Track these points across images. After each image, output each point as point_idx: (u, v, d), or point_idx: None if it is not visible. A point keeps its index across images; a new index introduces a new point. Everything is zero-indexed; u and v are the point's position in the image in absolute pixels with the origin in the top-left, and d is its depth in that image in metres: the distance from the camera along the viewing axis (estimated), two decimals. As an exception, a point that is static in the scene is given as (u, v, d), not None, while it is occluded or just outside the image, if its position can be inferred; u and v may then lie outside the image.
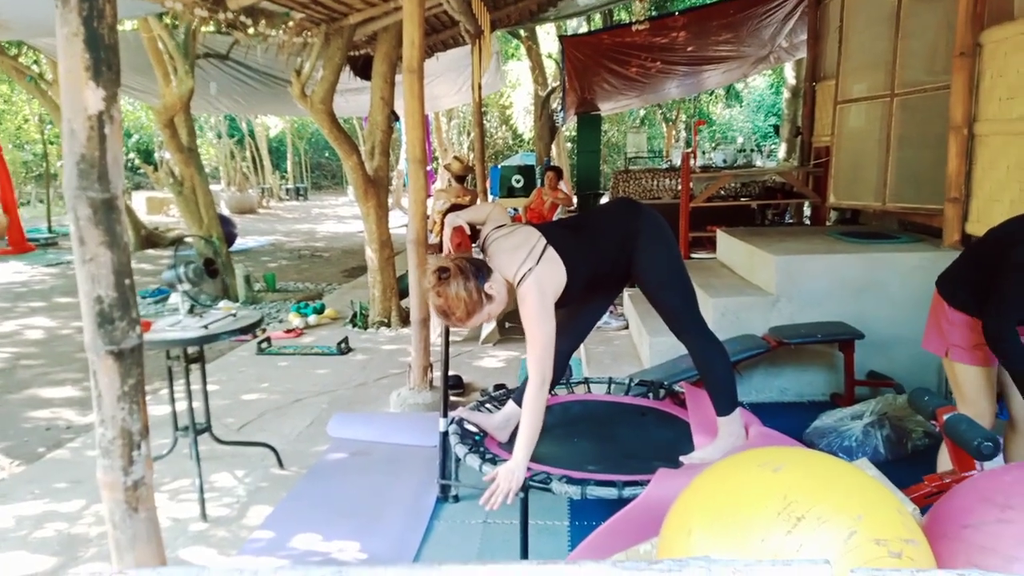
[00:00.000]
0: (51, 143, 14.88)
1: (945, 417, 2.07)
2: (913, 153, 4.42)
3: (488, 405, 2.83)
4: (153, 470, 1.47)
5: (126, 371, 1.34)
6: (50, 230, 12.90)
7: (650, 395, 3.02)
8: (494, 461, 2.32)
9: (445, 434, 2.69)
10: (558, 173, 7.45)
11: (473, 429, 2.60)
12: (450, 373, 3.82)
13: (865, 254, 3.77)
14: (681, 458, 2.29)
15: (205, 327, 2.73)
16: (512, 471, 2.06)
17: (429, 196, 7.24)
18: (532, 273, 2.10)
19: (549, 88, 11.91)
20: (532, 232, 2.24)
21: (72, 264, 1.27)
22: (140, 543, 1.43)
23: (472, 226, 2.55)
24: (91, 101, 1.24)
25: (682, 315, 2.35)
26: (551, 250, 2.16)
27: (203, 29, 6.35)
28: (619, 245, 2.29)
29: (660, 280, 2.33)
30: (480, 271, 2.10)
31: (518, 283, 2.12)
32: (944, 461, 2.29)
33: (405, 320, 5.58)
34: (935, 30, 4.16)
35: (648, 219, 2.32)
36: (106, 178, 1.27)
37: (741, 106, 23.06)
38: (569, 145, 16.89)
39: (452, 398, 3.95)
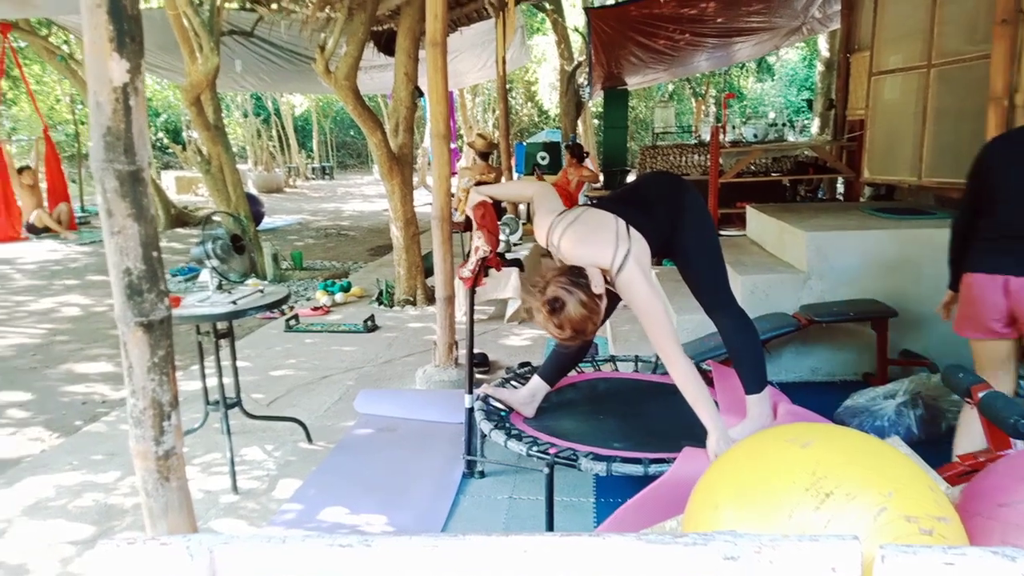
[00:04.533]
0: (82, 123, 15.06)
1: (980, 395, 2.02)
2: (950, 126, 4.28)
3: (513, 382, 2.84)
4: (183, 441, 1.50)
5: (155, 343, 1.36)
6: (83, 209, 13.09)
7: (676, 372, 3.00)
8: (520, 437, 2.32)
9: (471, 410, 2.70)
10: (574, 152, 7.22)
11: (498, 405, 2.61)
12: (475, 351, 3.83)
13: (899, 230, 3.67)
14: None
15: (233, 303, 2.76)
16: (718, 441, 2.00)
17: (454, 174, 7.21)
18: (631, 255, 2.04)
19: (575, 63, 11.73)
20: (601, 213, 2.17)
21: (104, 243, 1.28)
22: (172, 512, 1.46)
23: (495, 201, 2.54)
24: (116, 73, 1.24)
25: (715, 291, 2.34)
26: (631, 227, 2.11)
27: (227, 5, 6.37)
28: (669, 219, 2.27)
29: (699, 255, 2.31)
30: (578, 276, 1.98)
31: (619, 269, 2.04)
32: (964, 443, 2.21)
33: (430, 298, 5.60)
34: (977, -3, 4.00)
35: (692, 194, 2.32)
36: (132, 150, 1.28)
37: (773, 80, 22.57)
38: (596, 121, 16.69)
39: (477, 375, 3.96)
